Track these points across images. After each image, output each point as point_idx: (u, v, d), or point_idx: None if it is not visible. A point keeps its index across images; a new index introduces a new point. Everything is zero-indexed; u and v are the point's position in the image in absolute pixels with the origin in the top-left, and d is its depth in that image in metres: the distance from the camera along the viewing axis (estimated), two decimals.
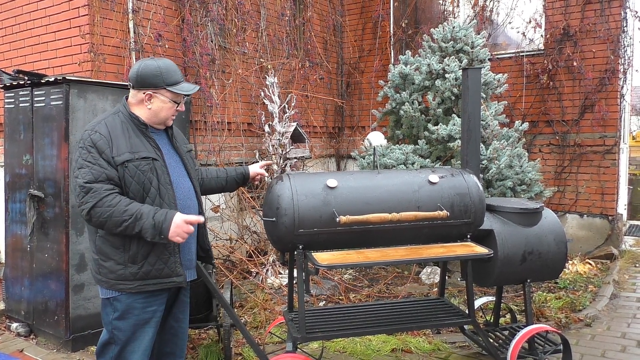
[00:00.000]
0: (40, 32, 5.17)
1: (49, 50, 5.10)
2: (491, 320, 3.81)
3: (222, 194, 5.95)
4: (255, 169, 2.94)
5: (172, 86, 2.35)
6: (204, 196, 5.53)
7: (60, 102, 3.65)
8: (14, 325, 4.09)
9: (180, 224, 2.21)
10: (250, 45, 6.36)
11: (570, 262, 5.85)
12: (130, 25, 5.02)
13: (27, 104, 3.93)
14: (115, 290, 2.30)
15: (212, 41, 5.74)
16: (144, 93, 2.35)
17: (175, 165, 2.47)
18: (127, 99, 2.43)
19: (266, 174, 2.98)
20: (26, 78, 3.90)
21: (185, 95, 2.42)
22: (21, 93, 3.99)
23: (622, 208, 7.14)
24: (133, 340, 2.33)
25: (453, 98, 5.58)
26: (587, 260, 6.04)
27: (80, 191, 2.20)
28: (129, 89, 2.40)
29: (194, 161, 2.67)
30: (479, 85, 3.41)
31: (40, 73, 4.03)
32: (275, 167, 5.58)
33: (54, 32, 5.03)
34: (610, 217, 6.43)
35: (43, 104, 3.80)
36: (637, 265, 6.21)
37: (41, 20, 5.15)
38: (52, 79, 3.69)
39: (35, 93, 3.86)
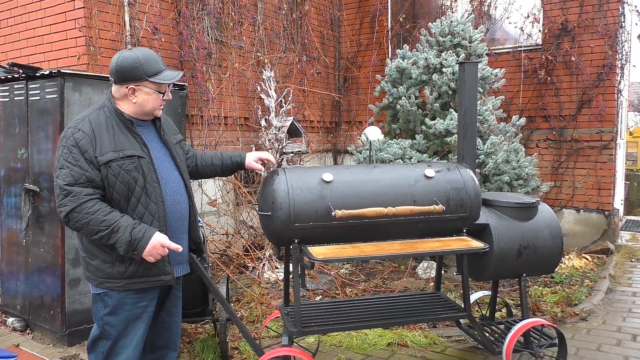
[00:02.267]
0: (36, 25, 5.14)
1: (45, 43, 5.07)
2: (487, 315, 3.81)
3: (219, 188, 5.95)
4: (251, 161, 2.83)
5: (154, 76, 2.27)
6: (201, 191, 5.58)
7: (55, 96, 3.63)
8: (10, 320, 4.09)
9: (157, 246, 2.17)
10: (247, 39, 6.33)
11: (566, 256, 5.87)
12: (127, 18, 4.99)
13: (22, 98, 3.91)
14: (104, 287, 2.28)
15: (208, 35, 5.72)
16: (126, 87, 2.26)
17: (164, 160, 2.41)
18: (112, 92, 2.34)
19: (262, 169, 2.89)
20: (21, 71, 3.88)
21: (169, 84, 2.34)
22: (16, 87, 3.96)
23: (618, 203, 7.16)
24: (124, 335, 2.32)
25: (450, 92, 5.57)
26: (584, 254, 6.06)
27: (60, 192, 2.15)
28: (111, 83, 2.32)
29: (184, 151, 2.62)
30: (475, 80, 3.40)
31: (35, 66, 4.01)
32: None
33: (50, 25, 5.00)
34: (606, 212, 6.44)
35: (38, 98, 3.78)
36: (633, 259, 6.23)
37: (37, 14, 5.12)
38: (47, 73, 3.66)
39: (30, 86, 3.83)
